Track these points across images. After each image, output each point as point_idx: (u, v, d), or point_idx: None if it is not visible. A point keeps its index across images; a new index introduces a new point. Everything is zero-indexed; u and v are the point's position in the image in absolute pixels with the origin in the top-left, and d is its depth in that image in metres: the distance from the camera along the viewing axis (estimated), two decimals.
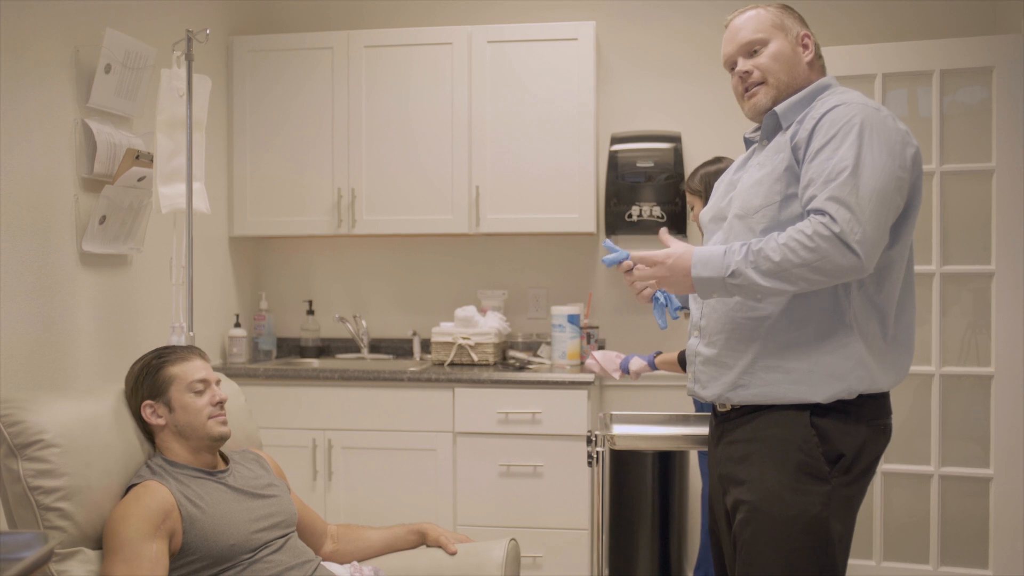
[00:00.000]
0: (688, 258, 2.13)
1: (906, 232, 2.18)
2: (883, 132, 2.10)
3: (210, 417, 2.41)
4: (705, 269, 2.10)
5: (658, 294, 2.35)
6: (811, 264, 2.01)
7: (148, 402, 2.41)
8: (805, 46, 2.31)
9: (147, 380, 2.42)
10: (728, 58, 2.37)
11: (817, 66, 2.33)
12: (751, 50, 2.31)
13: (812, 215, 2.04)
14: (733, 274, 2.07)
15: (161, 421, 2.40)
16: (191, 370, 2.43)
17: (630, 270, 2.26)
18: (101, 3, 3.42)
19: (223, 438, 2.44)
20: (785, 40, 2.29)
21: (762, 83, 2.30)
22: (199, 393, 2.42)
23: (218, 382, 2.51)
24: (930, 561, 3.86)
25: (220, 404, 2.45)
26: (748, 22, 2.32)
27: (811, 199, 2.06)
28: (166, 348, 2.51)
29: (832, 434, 2.13)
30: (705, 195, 3.59)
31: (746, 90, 2.33)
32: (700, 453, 3.74)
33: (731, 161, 3.60)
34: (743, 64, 2.32)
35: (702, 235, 3.52)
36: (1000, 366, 3.77)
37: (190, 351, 2.49)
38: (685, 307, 2.56)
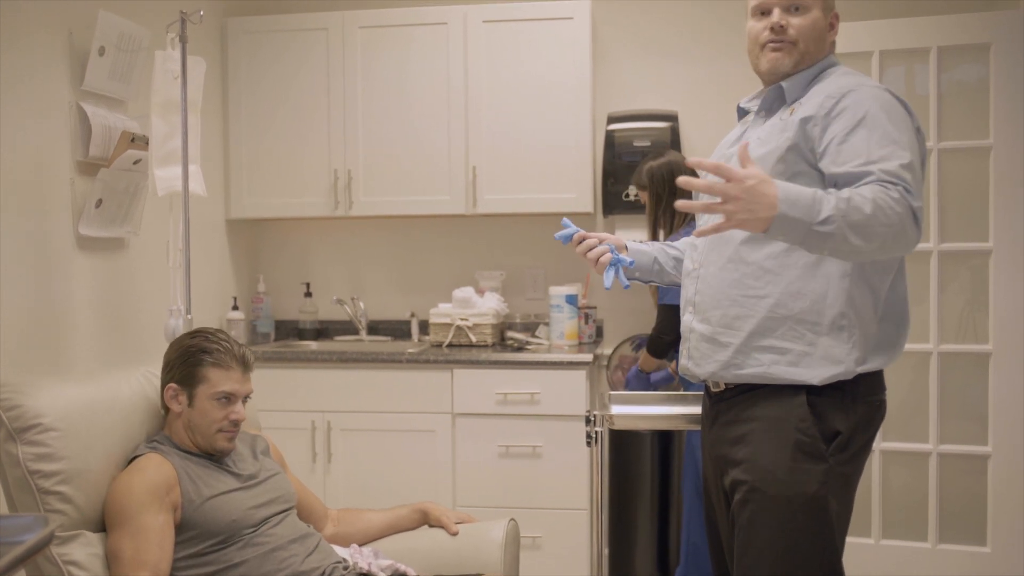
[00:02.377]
0: (772, 188, 1.85)
1: None
2: (902, 115, 2.10)
3: (219, 431, 2.39)
4: (793, 208, 1.85)
5: (614, 256, 2.33)
6: (893, 228, 1.90)
7: (173, 386, 2.40)
8: (832, 26, 2.29)
9: (183, 366, 2.39)
10: (764, 3, 2.25)
11: (831, 47, 2.31)
12: (793, 6, 2.23)
13: (884, 182, 1.94)
14: (826, 221, 1.86)
15: (178, 408, 2.40)
16: (225, 380, 2.39)
17: (582, 241, 2.29)
18: None
19: (224, 453, 2.43)
20: (823, 14, 2.25)
21: (793, 44, 2.23)
22: (221, 405, 2.39)
23: (246, 398, 2.46)
24: (928, 539, 3.87)
25: (236, 423, 2.42)
26: None
27: (866, 173, 1.97)
28: (219, 341, 2.43)
29: (828, 413, 2.13)
30: (652, 189, 3.64)
31: (772, 43, 2.24)
32: (689, 434, 3.75)
33: (676, 154, 3.68)
34: (781, 17, 2.23)
35: (671, 224, 3.59)
36: (998, 343, 3.78)
37: (236, 360, 2.42)
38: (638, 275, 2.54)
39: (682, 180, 1.94)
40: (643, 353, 3.82)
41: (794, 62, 2.24)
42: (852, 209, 1.87)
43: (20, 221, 3.03)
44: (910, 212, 1.94)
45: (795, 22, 2.23)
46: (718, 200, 1.86)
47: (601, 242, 2.39)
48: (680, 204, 1.92)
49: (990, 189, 3.77)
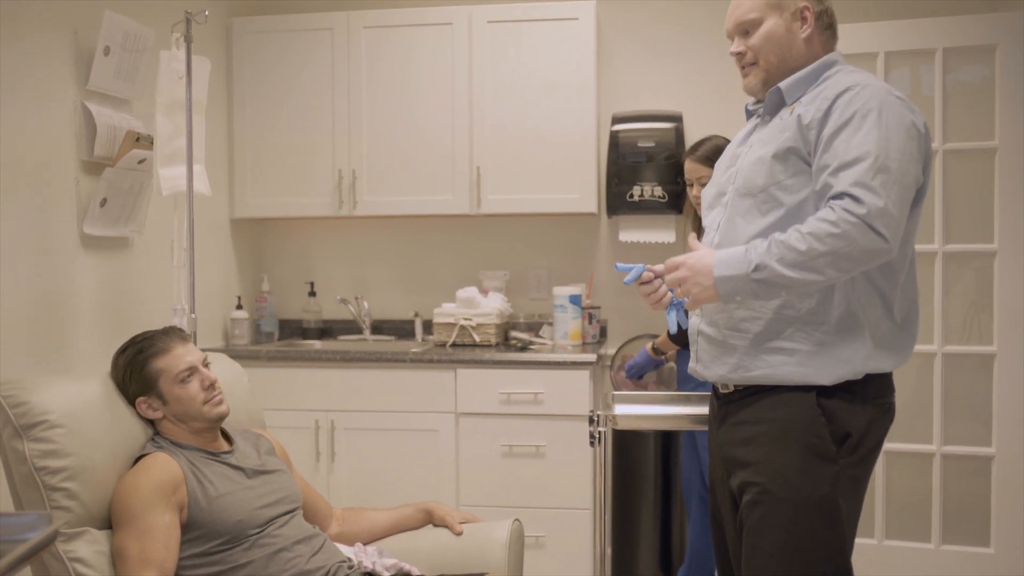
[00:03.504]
0: (709, 258, 2.08)
1: (915, 213, 2.15)
2: (898, 114, 2.08)
3: (205, 402, 2.39)
4: (727, 268, 2.05)
5: (673, 298, 2.29)
6: (839, 251, 1.97)
7: (141, 398, 2.40)
8: (804, 19, 2.26)
9: (134, 377, 2.39)
10: (728, 32, 2.35)
11: (819, 40, 2.27)
12: (744, 30, 2.29)
13: (834, 200, 2.00)
14: (757, 268, 2.01)
15: (159, 414, 2.40)
16: (174, 361, 2.39)
17: (648, 282, 2.27)
18: None
19: (221, 417, 2.43)
20: (779, 19, 2.25)
21: (754, 64, 2.29)
22: (187, 381, 2.39)
23: (206, 362, 2.46)
24: (932, 539, 3.87)
25: (212, 385, 2.42)
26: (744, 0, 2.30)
27: (830, 185, 2.03)
28: (145, 338, 2.44)
29: (838, 414, 2.13)
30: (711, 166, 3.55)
31: (741, 68, 2.34)
32: (685, 437, 3.74)
33: (721, 139, 3.60)
34: (736, 44, 2.32)
35: (697, 214, 3.54)
36: (1002, 345, 3.77)
37: (168, 338, 2.43)
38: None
39: (647, 276, 2.26)
40: (660, 338, 3.75)
41: (762, 80, 2.29)
42: (786, 250, 2.00)
43: (25, 220, 3.04)
44: (860, 223, 1.96)
45: (749, 43, 2.29)
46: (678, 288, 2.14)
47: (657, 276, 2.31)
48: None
49: (995, 190, 3.77)
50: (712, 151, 3.36)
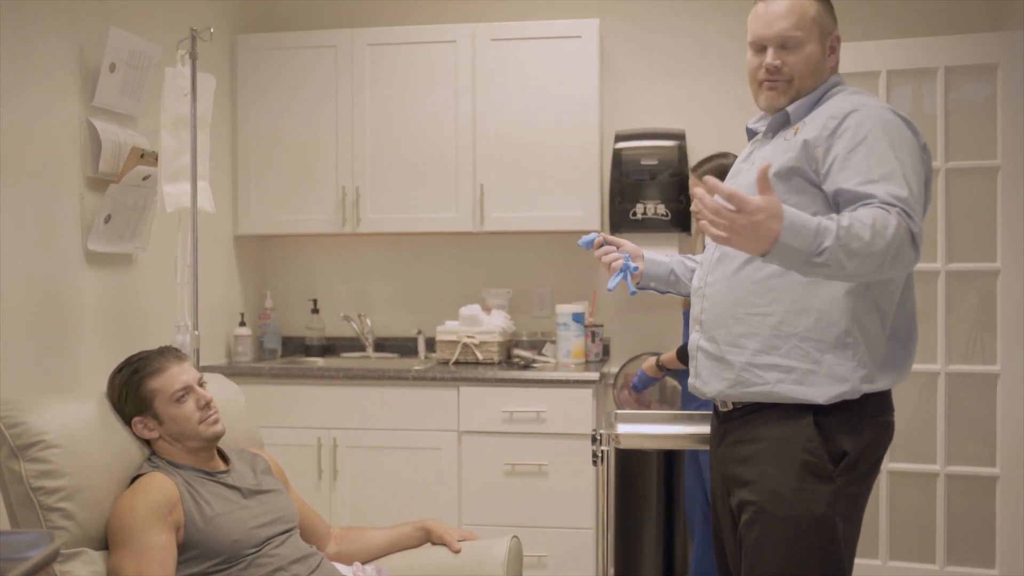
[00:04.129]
0: (778, 223, 1.84)
1: None
2: (906, 135, 2.09)
3: (200, 422, 2.39)
4: (795, 238, 1.85)
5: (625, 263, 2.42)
6: (890, 251, 1.90)
7: (137, 419, 2.40)
8: (833, 49, 2.26)
9: (130, 398, 2.39)
10: (759, 39, 2.25)
11: (834, 69, 2.29)
12: (783, 43, 2.22)
13: (887, 205, 1.95)
14: (821, 252, 1.87)
15: (154, 434, 2.40)
16: (169, 380, 2.39)
17: (601, 245, 2.41)
18: (105, 2, 3.42)
19: (217, 437, 2.43)
20: (819, 44, 2.22)
21: (789, 81, 2.23)
22: (183, 401, 2.39)
23: (201, 382, 2.46)
24: (936, 560, 3.85)
25: (207, 405, 2.42)
26: (790, 12, 2.20)
27: (870, 194, 1.97)
28: (140, 359, 2.44)
29: (836, 433, 2.12)
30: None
31: (768, 81, 2.25)
32: (689, 456, 3.73)
33: (731, 156, 3.61)
34: (774, 57, 2.22)
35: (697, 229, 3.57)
36: (1006, 364, 3.76)
37: (164, 358, 2.43)
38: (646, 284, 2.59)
39: (696, 192, 1.94)
40: (667, 355, 3.74)
41: (790, 99, 2.25)
42: (852, 237, 1.87)
43: (30, 235, 3.05)
44: (908, 235, 1.94)
45: (789, 60, 2.22)
46: (721, 222, 1.86)
47: (619, 248, 2.47)
48: (695, 196, 1.94)
49: (998, 209, 3.76)
50: (716, 170, 3.38)
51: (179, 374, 2.41)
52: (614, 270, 2.42)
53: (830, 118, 2.13)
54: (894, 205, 1.95)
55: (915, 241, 1.95)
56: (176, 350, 2.49)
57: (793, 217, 1.86)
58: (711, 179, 1.89)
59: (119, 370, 2.45)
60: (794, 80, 2.23)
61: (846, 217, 1.91)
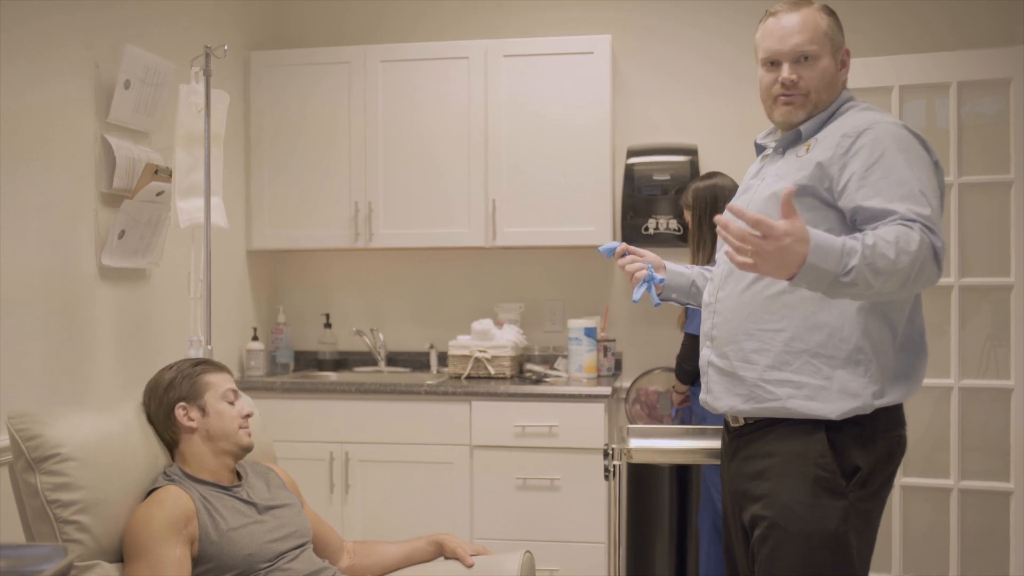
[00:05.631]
0: (805, 246, 1.83)
1: None
2: (920, 152, 2.10)
3: (240, 427, 2.47)
4: (823, 259, 1.85)
5: (648, 274, 2.42)
6: (915, 268, 1.91)
7: (183, 403, 2.44)
8: (844, 64, 2.27)
9: (184, 383, 2.47)
10: (773, 55, 2.25)
11: (844, 84, 2.30)
12: (801, 57, 2.22)
13: (910, 222, 1.95)
14: (848, 272, 1.86)
15: (193, 424, 2.43)
16: (224, 380, 2.52)
17: (623, 255, 2.39)
18: (120, 19, 3.44)
19: (248, 448, 2.49)
20: (832, 59, 2.24)
21: (805, 96, 2.23)
22: (231, 403, 2.49)
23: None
24: (950, 575, 3.83)
25: (247, 417, 2.51)
26: (804, 27, 2.21)
27: (889, 212, 1.98)
28: (190, 361, 2.56)
29: (848, 448, 2.12)
30: (695, 210, 3.64)
31: (785, 96, 2.25)
32: (705, 469, 3.73)
33: (725, 177, 3.67)
34: (790, 72, 2.22)
35: (712, 245, 3.58)
36: (1020, 379, 3.74)
37: (215, 367, 2.55)
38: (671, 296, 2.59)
39: (720, 219, 1.93)
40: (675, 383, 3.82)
41: (807, 113, 2.25)
42: (877, 255, 1.87)
43: (44, 251, 3.07)
44: (931, 251, 1.94)
45: (805, 74, 2.22)
46: (748, 248, 1.85)
47: (642, 258, 2.46)
48: (718, 223, 1.92)
49: (1011, 224, 3.75)
50: (708, 191, 3.56)
51: (230, 381, 2.55)
52: (637, 280, 2.41)
53: (844, 136, 2.13)
54: (916, 221, 1.95)
55: (938, 256, 1.96)
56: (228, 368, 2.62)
57: (819, 239, 1.86)
58: (735, 206, 1.91)
59: (171, 366, 2.53)
60: (811, 94, 2.23)
61: (870, 236, 1.91)
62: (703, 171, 4.24)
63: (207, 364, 2.55)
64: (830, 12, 2.27)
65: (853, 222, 2.08)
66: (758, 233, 1.82)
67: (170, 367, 2.53)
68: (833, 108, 2.25)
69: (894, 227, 1.94)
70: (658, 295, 2.46)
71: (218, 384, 2.49)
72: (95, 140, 3.30)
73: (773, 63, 2.26)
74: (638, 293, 2.40)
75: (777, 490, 2.15)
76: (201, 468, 2.42)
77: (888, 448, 2.17)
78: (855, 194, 2.06)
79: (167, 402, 2.45)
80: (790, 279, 1.87)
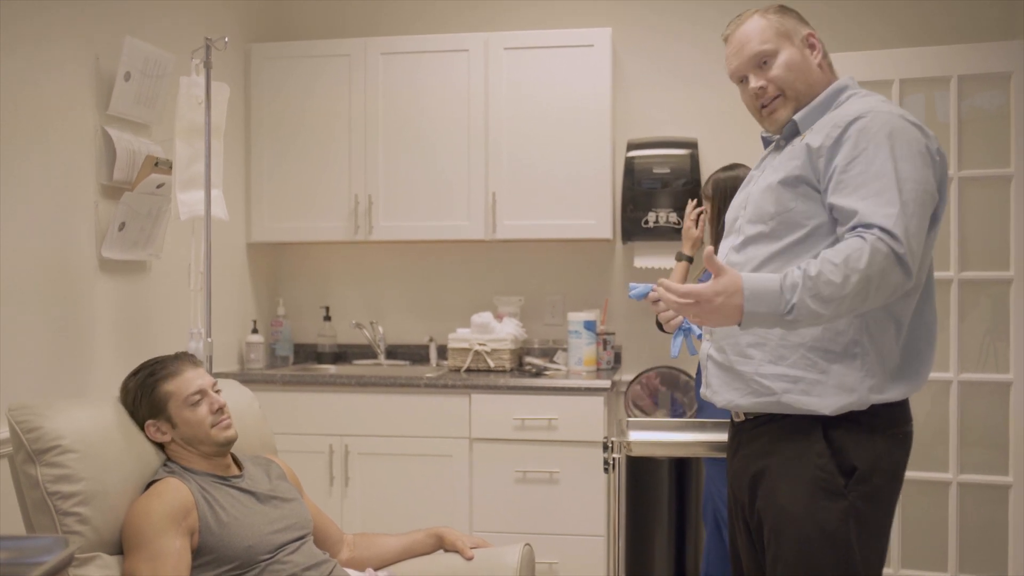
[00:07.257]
0: (739, 297, 1.93)
1: (930, 237, 2.11)
2: (912, 141, 2.06)
3: (213, 426, 2.41)
4: (759, 304, 1.93)
5: (684, 322, 2.32)
6: (871, 284, 1.91)
7: (150, 421, 2.42)
8: (812, 46, 2.24)
9: (144, 400, 2.42)
10: (736, 72, 2.28)
11: (826, 65, 2.27)
12: (760, 62, 2.23)
13: (863, 229, 1.95)
14: (792, 310, 1.92)
15: (167, 437, 2.42)
16: (184, 384, 2.42)
17: (656, 301, 2.22)
18: (121, 11, 3.44)
19: (229, 442, 2.45)
20: (793, 47, 2.22)
21: (779, 96, 2.23)
22: (196, 405, 2.42)
23: (215, 387, 2.49)
24: (948, 569, 3.83)
25: (220, 410, 2.44)
26: (752, 33, 2.23)
27: (854, 213, 1.98)
28: (156, 363, 2.48)
29: (845, 446, 2.09)
30: (715, 201, 3.61)
31: (763, 106, 2.26)
32: (706, 465, 3.73)
33: (745, 168, 3.63)
34: (756, 80, 2.23)
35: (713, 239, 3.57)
36: (1019, 373, 3.75)
37: (180, 362, 2.47)
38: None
39: (655, 295, 2.09)
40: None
41: (793, 109, 2.23)
42: (821, 284, 1.91)
43: (45, 242, 3.07)
44: (891, 257, 1.93)
45: (771, 75, 2.22)
46: (689, 314, 2.01)
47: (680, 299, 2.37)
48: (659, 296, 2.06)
49: (1011, 217, 3.75)
50: (729, 182, 3.45)
51: (194, 379, 2.44)
52: (672, 328, 2.34)
53: (834, 126, 2.10)
54: (872, 227, 1.94)
55: (901, 260, 1.93)
56: (191, 355, 2.52)
57: (755, 285, 1.94)
58: (666, 282, 2.03)
59: (134, 374, 2.47)
60: (785, 91, 2.22)
61: (815, 264, 1.94)
62: (703, 165, 4.24)
63: (163, 368, 2.44)
64: (777, 9, 2.27)
65: (835, 220, 2.07)
66: (691, 301, 1.96)
67: (134, 373, 2.48)
68: (831, 96, 2.22)
69: (847, 243, 1.95)
70: (695, 348, 2.38)
71: (178, 390, 2.41)
72: (95, 132, 3.30)
73: (742, 79, 2.28)
74: (675, 348, 2.31)
75: (775, 491, 2.13)
76: (195, 464, 2.42)
77: (888, 446, 2.13)
78: (833, 190, 2.06)
79: (138, 420, 2.44)
80: (740, 326, 1.98)
